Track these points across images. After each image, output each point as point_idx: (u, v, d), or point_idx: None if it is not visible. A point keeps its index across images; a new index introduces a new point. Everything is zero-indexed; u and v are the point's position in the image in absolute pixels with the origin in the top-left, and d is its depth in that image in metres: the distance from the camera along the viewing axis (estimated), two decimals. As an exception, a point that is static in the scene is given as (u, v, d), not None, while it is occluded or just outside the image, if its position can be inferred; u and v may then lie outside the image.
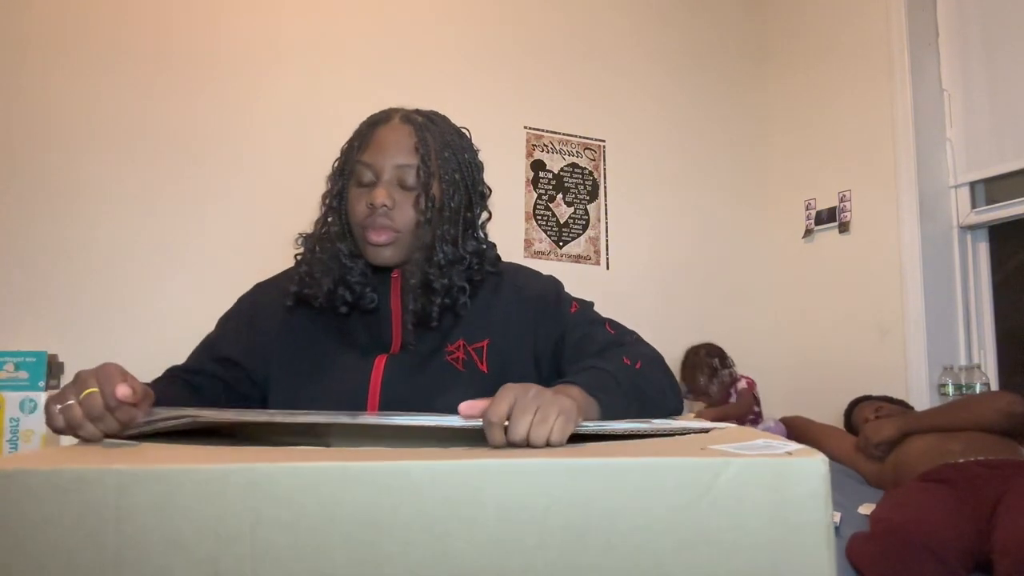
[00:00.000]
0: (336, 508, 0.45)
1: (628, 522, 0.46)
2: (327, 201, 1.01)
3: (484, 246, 1.03)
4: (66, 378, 1.90)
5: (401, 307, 0.97)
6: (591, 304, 1.09)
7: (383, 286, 0.98)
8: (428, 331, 0.96)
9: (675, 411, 0.95)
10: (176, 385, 0.94)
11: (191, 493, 0.45)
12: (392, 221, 0.94)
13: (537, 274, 1.09)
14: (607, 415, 0.78)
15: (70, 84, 2.02)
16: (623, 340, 1.03)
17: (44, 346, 1.82)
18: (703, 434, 0.63)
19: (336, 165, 1.02)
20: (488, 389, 0.91)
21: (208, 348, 1.02)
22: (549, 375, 0.99)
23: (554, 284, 1.08)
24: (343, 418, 0.68)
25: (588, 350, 0.97)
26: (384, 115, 1.01)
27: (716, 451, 0.51)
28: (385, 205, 0.93)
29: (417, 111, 1.03)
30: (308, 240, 1.01)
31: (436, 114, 1.05)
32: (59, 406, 0.63)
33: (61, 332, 1.92)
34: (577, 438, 0.62)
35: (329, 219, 1.00)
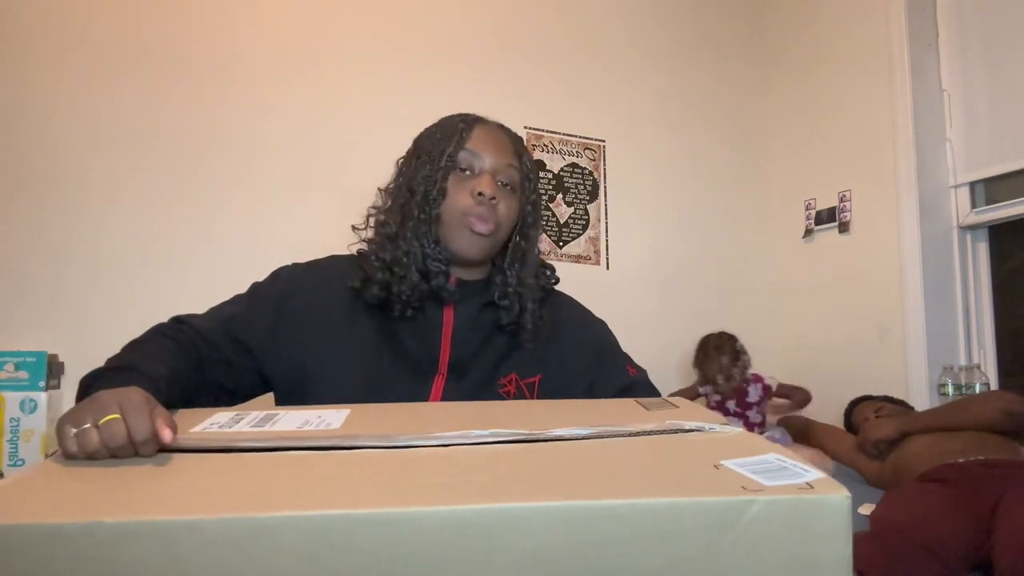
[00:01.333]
0: (344, 557, 0.44)
1: (649, 563, 0.45)
2: (418, 184, 0.94)
3: (549, 270, 1.05)
4: (66, 378, 1.90)
5: (456, 318, 0.94)
6: (635, 366, 1.07)
7: (436, 300, 0.94)
8: (480, 358, 0.94)
9: None
10: (183, 355, 0.87)
11: (191, 548, 0.43)
12: (496, 214, 0.94)
13: (591, 315, 1.10)
14: None
15: (73, 86, 2.02)
16: None
17: (44, 346, 1.83)
18: (709, 439, 0.62)
19: (424, 149, 0.97)
20: None
21: (225, 322, 0.93)
22: None
23: (608, 332, 1.10)
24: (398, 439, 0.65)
25: None
26: (479, 117, 1.02)
27: (733, 477, 0.50)
28: (493, 197, 0.93)
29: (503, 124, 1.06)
30: (391, 226, 0.95)
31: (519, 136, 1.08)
32: (74, 430, 0.57)
33: (61, 332, 1.92)
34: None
35: (419, 200, 0.94)
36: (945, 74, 2.37)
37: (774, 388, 2.42)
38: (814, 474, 0.50)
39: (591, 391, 0.97)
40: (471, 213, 0.92)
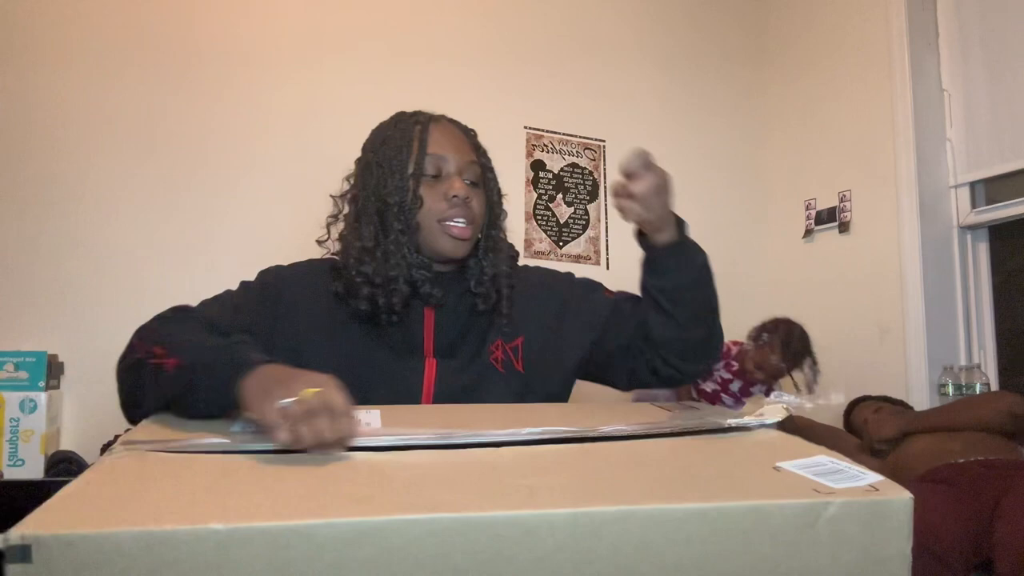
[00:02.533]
0: (446, 560, 0.45)
1: (736, 563, 0.49)
2: (388, 197, 0.94)
3: (512, 249, 1.08)
4: (66, 378, 1.90)
5: (435, 308, 0.96)
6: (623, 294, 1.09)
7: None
8: (466, 337, 0.97)
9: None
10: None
11: (301, 552, 0.44)
12: (471, 213, 0.96)
13: (551, 270, 1.12)
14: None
15: (73, 86, 2.01)
16: None
17: (44, 346, 1.83)
18: (754, 441, 0.66)
19: (383, 158, 0.96)
20: (522, 389, 0.97)
21: (232, 311, 0.93)
22: (597, 357, 1.02)
23: (571, 276, 1.11)
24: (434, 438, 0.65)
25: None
26: (425, 115, 1.01)
27: (799, 479, 0.54)
28: (468, 198, 0.95)
29: (449, 116, 1.06)
30: (366, 240, 0.94)
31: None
32: (285, 422, 0.60)
33: (61, 332, 1.92)
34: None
35: (395, 211, 0.93)
36: (945, 74, 2.36)
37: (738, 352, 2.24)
38: (872, 476, 0.55)
39: (568, 338, 1.01)
40: (448, 217, 0.95)
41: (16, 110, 1.97)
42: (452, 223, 0.94)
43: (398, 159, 0.95)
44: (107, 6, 2.07)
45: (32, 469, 1.70)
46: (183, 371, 0.75)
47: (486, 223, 1.02)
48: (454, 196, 0.94)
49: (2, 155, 1.95)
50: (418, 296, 0.94)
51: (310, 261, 1.04)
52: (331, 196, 1.04)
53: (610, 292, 1.07)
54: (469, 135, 1.03)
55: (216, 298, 0.96)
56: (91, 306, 1.96)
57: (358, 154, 1.03)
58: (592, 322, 1.01)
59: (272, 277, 0.99)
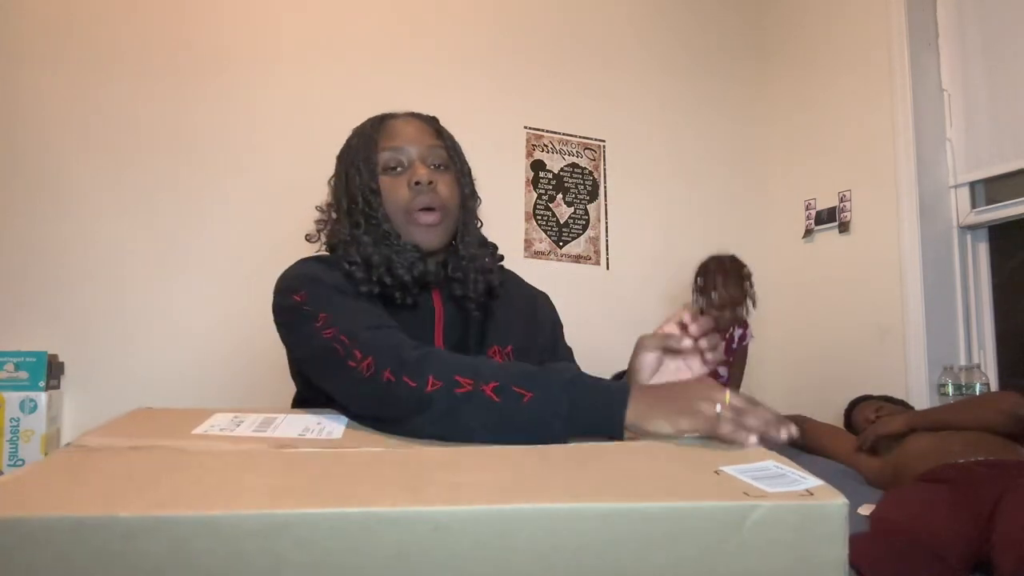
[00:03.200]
0: (358, 555, 0.45)
1: (657, 565, 0.48)
2: (356, 192, 0.96)
3: (493, 246, 1.07)
4: (66, 378, 1.90)
5: (443, 308, 0.97)
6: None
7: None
8: (468, 333, 0.98)
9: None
10: None
11: (206, 541, 0.44)
12: (439, 198, 0.95)
13: (531, 285, 1.16)
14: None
15: (70, 85, 2.02)
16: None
17: (44, 346, 1.83)
18: (713, 444, 0.65)
19: (347, 161, 0.99)
20: None
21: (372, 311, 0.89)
22: None
23: (550, 300, 1.15)
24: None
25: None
26: (384, 114, 1.03)
27: (735, 483, 0.52)
28: (431, 182, 0.94)
29: (414, 111, 1.05)
30: (344, 235, 0.96)
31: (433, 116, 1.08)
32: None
33: (61, 332, 1.92)
34: None
35: (361, 207, 0.95)
36: (945, 74, 2.36)
37: (744, 344, 2.28)
38: (812, 481, 0.53)
39: (541, 348, 1.05)
40: (413, 206, 0.94)
41: (15, 111, 1.97)
42: (418, 213, 0.94)
43: (359, 157, 0.97)
44: (95, 9, 2.07)
45: (32, 469, 1.70)
46: (520, 400, 0.69)
47: (464, 201, 1.00)
48: (416, 183, 0.94)
49: (2, 156, 1.95)
50: (415, 277, 0.93)
51: (319, 258, 1.01)
52: (316, 207, 1.06)
53: (563, 338, 1.13)
54: (430, 123, 1.03)
55: (345, 308, 0.86)
56: (91, 306, 1.96)
57: None
58: (549, 343, 1.07)
59: (330, 279, 0.91)
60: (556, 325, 1.11)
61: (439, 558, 0.45)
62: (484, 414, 0.69)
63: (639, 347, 0.83)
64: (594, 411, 0.69)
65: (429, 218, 0.94)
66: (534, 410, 0.69)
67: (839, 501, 0.50)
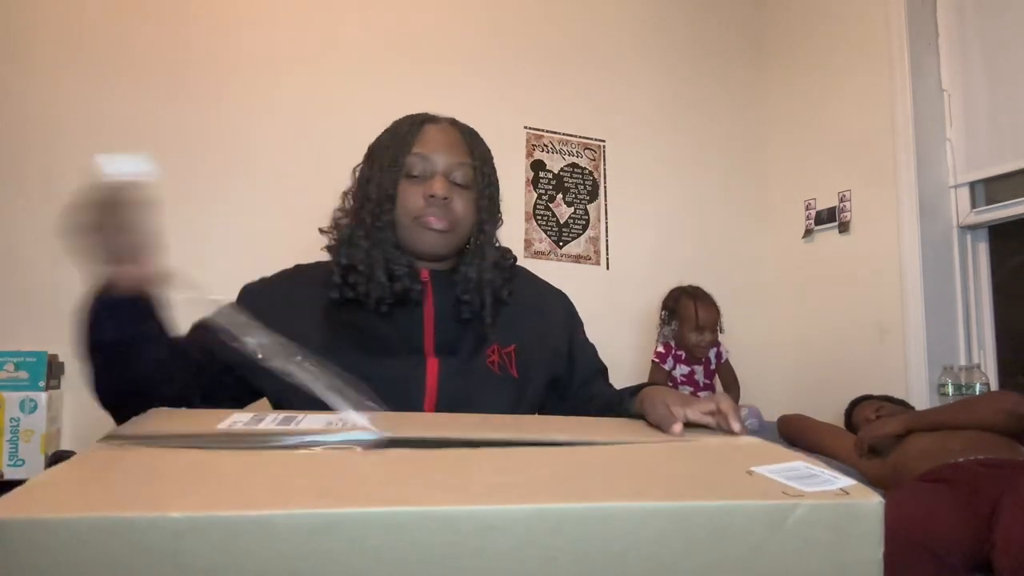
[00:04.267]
0: (408, 553, 0.45)
1: (700, 564, 0.48)
2: (372, 192, 0.96)
3: (509, 253, 1.10)
4: (66, 378, 1.90)
5: (435, 309, 0.97)
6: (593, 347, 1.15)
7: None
8: (464, 335, 0.97)
9: None
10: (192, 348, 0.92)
11: (254, 539, 0.44)
12: (451, 213, 0.96)
13: (548, 283, 1.14)
14: None
15: (72, 85, 2.02)
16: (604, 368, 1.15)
17: (44, 346, 1.83)
18: (730, 447, 0.66)
19: (375, 156, 0.99)
20: (517, 393, 0.98)
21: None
22: (557, 380, 1.06)
23: (567, 298, 1.14)
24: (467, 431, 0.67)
25: (608, 388, 1.07)
26: (429, 116, 1.02)
27: (770, 483, 0.53)
28: (446, 197, 0.95)
29: (455, 119, 1.06)
30: (346, 232, 0.98)
31: (473, 129, 1.07)
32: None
33: (61, 332, 1.91)
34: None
35: (372, 208, 0.96)
36: (945, 74, 2.36)
37: (724, 360, 2.35)
38: (844, 480, 0.54)
39: (554, 353, 1.05)
40: (423, 215, 0.95)
41: (16, 112, 1.97)
42: (427, 218, 0.95)
43: (387, 156, 0.97)
44: (102, 10, 2.07)
45: (32, 469, 1.70)
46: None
47: (475, 227, 1.00)
48: (431, 195, 0.94)
49: (2, 156, 1.95)
50: (397, 291, 0.94)
51: (296, 267, 1.04)
52: (343, 194, 1.05)
53: (585, 336, 1.13)
54: (468, 137, 1.02)
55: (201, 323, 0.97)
56: (91, 306, 1.96)
57: (357, 157, 1.04)
58: (568, 350, 1.07)
59: (253, 299, 0.97)
60: (572, 325, 1.10)
61: (486, 557, 0.45)
62: None
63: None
64: None
65: (439, 223, 0.95)
66: None
67: (875, 500, 0.50)
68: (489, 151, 1.05)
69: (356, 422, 0.68)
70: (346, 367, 0.88)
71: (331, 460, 0.57)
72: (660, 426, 0.76)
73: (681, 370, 2.31)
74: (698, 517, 0.48)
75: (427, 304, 0.97)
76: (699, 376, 2.32)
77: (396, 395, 0.88)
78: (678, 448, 0.67)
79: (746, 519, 0.49)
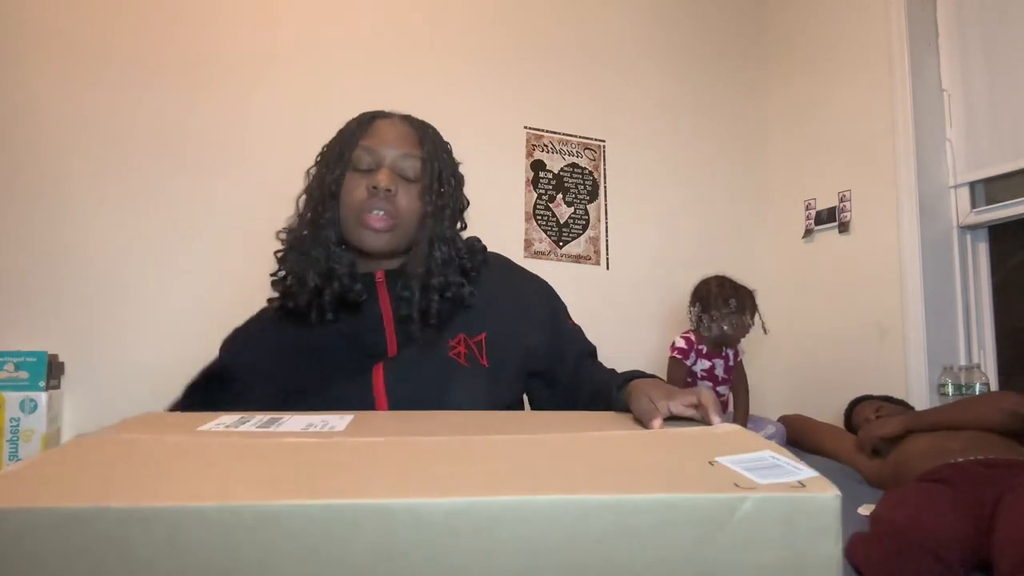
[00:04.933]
0: (347, 546, 0.45)
1: (642, 557, 0.47)
2: (316, 189, 0.96)
3: (476, 242, 1.04)
4: (66, 378, 1.90)
5: (392, 309, 0.95)
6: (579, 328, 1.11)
7: (370, 290, 0.96)
8: (426, 327, 0.94)
9: None
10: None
11: (198, 532, 0.44)
12: (393, 207, 0.93)
13: (526, 270, 1.10)
14: None
15: (68, 84, 2.02)
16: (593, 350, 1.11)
17: (44, 346, 1.83)
18: (706, 436, 0.64)
19: (324, 154, 0.99)
20: (489, 382, 0.95)
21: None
22: (545, 371, 1.03)
23: (546, 286, 1.09)
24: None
25: (598, 371, 1.03)
26: (380, 112, 1.01)
27: (727, 474, 0.51)
28: (389, 189, 0.92)
29: (412, 116, 1.04)
30: (290, 234, 0.98)
31: (428, 123, 1.05)
32: None
33: (61, 332, 1.92)
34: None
35: (315, 205, 0.95)
36: (945, 74, 2.36)
37: (739, 359, 2.27)
38: (807, 472, 0.52)
39: (530, 340, 1.01)
40: (366, 208, 0.92)
41: (15, 112, 1.97)
42: (368, 216, 0.92)
43: (334, 151, 0.96)
44: (89, 8, 2.07)
45: (32, 469, 1.70)
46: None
47: (419, 222, 0.96)
48: (374, 187, 0.92)
49: (3, 157, 1.95)
50: (335, 291, 0.93)
51: (262, 310, 1.07)
52: (296, 198, 1.05)
53: (570, 320, 1.09)
54: (420, 130, 0.99)
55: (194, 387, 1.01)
56: (91, 306, 1.96)
57: None
58: (549, 341, 1.03)
59: (228, 352, 1.04)
60: (555, 316, 1.07)
61: (423, 550, 0.45)
62: None
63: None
64: None
65: (379, 223, 0.92)
66: None
67: (831, 493, 0.48)
68: (445, 145, 1.02)
69: (335, 425, 0.68)
70: (302, 389, 0.91)
71: (283, 450, 0.57)
72: (642, 420, 0.76)
73: (702, 365, 2.21)
74: (639, 510, 0.47)
75: (383, 304, 0.96)
76: (719, 371, 2.22)
77: (349, 405, 0.85)
78: (646, 438, 0.65)
79: (689, 512, 0.47)
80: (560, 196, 2.61)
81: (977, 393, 2.09)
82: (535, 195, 2.58)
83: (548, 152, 2.61)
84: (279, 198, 2.14)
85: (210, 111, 2.15)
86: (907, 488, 1.55)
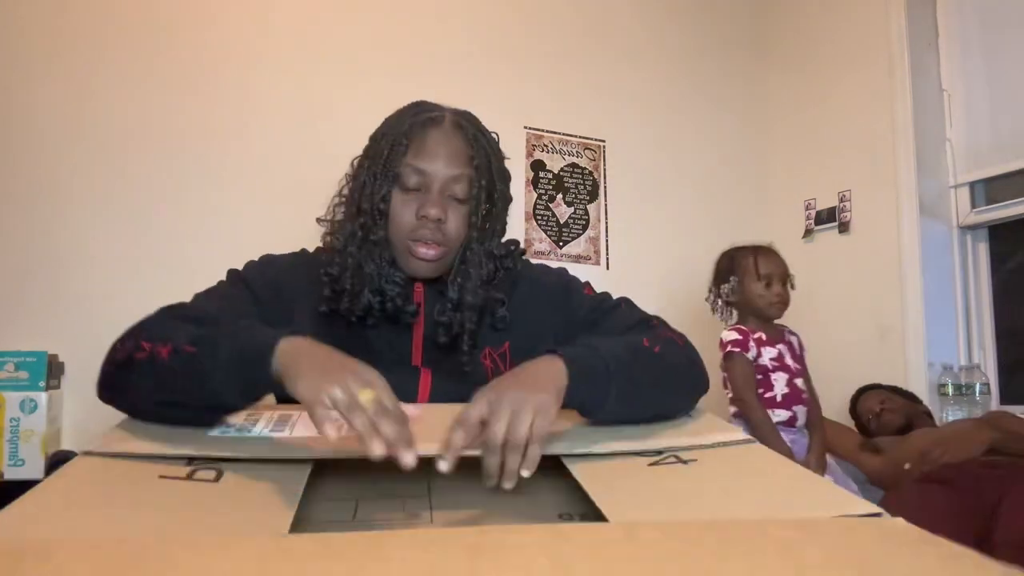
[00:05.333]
0: None
1: None
2: (363, 202, 0.91)
3: (513, 247, 1.03)
4: (66, 378, 1.90)
5: (425, 320, 0.94)
6: (607, 294, 1.07)
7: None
8: (457, 342, 0.92)
9: (699, 390, 0.89)
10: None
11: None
12: (443, 235, 0.91)
13: (547, 268, 1.10)
14: (600, 386, 0.73)
15: (70, 85, 2.01)
16: (643, 319, 1.00)
17: (44, 346, 1.82)
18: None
19: (372, 161, 0.93)
20: None
21: (223, 300, 0.91)
22: None
23: (563, 275, 1.09)
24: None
25: (602, 328, 0.96)
26: (432, 116, 0.95)
27: None
28: (440, 219, 0.90)
29: (462, 114, 0.99)
30: (339, 240, 0.94)
31: (478, 120, 1.01)
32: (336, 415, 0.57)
33: (61, 332, 1.92)
34: None
35: (364, 221, 0.91)
36: (945, 74, 2.37)
37: (804, 350, 1.90)
38: None
39: (554, 338, 0.96)
40: (415, 237, 0.90)
41: (14, 112, 1.97)
42: (418, 245, 0.90)
43: (382, 163, 0.91)
44: (95, 10, 2.07)
45: (32, 469, 1.70)
46: (187, 356, 0.69)
47: (469, 241, 0.94)
48: (423, 216, 0.89)
49: (2, 157, 1.95)
50: (388, 310, 0.90)
51: (303, 252, 1.02)
52: (340, 182, 1.01)
53: (591, 291, 1.05)
54: (471, 139, 0.95)
55: (208, 291, 0.95)
56: (91, 306, 1.96)
57: (354, 153, 1.01)
58: (565, 320, 0.99)
59: (261, 268, 0.97)
60: (567, 296, 1.02)
61: None
62: (150, 375, 0.70)
63: None
64: (247, 362, 0.65)
65: (428, 251, 0.90)
66: (193, 363, 0.67)
67: None
68: (494, 147, 0.99)
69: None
70: None
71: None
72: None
73: (769, 353, 1.81)
74: None
75: (418, 319, 0.94)
76: (790, 360, 1.83)
77: None
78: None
79: None
80: (560, 196, 2.61)
81: (977, 394, 2.09)
82: (535, 195, 2.58)
83: (548, 152, 2.61)
84: (279, 198, 2.15)
85: (210, 111, 2.14)
86: (907, 488, 1.56)
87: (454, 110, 0.99)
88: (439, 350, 0.93)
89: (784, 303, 1.83)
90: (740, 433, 0.75)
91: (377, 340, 0.93)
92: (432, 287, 0.96)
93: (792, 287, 1.86)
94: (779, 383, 1.77)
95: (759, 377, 1.77)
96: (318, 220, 1.00)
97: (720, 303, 1.91)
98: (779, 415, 1.75)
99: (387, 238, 0.92)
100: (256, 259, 1.00)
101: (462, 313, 0.91)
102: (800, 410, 1.79)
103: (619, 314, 1.00)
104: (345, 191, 0.98)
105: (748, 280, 1.82)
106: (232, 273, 0.98)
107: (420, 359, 0.94)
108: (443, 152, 0.92)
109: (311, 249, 1.04)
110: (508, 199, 1.03)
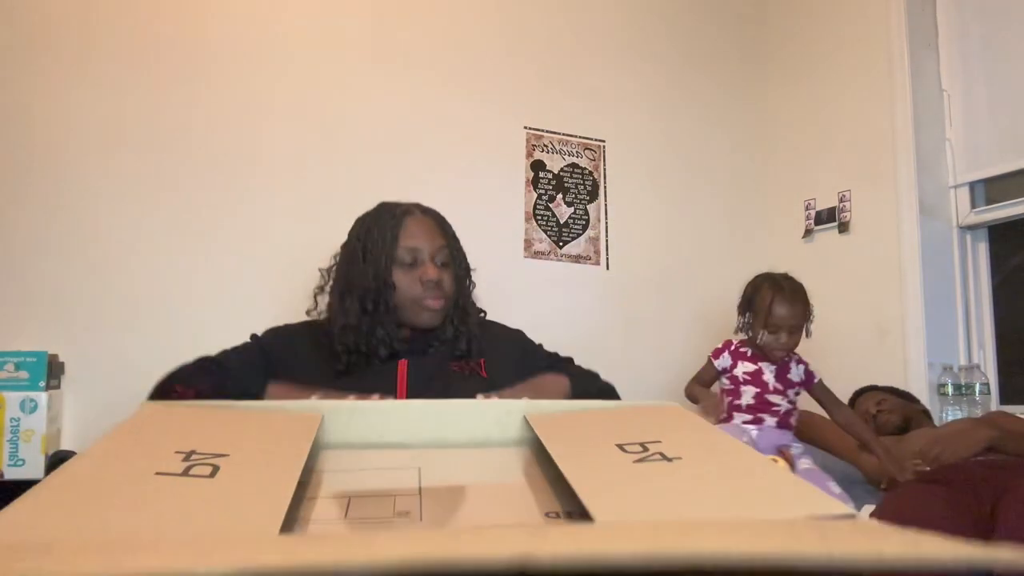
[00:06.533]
0: None
1: None
2: (368, 283, 1.17)
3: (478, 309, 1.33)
4: (66, 378, 1.90)
5: (408, 361, 1.20)
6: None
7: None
8: (434, 380, 1.17)
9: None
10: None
11: None
12: (442, 290, 1.20)
13: (503, 326, 1.38)
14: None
15: (73, 88, 2.02)
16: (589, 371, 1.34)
17: (44, 346, 1.83)
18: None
19: (365, 249, 1.19)
20: (488, 388, 1.09)
21: (249, 357, 1.21)
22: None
23: (521, 334, 1.36)
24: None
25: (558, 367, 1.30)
26: (403, 208, 1.25)
27: None
28: (439, 280, 1.19)
29: (419, 204, 1.28)
30: (352, 320, 1.18)
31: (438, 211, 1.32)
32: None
33: (61, 332, 1.92)
34: None
35: (373, 300, 1.17)
36: (945, 74, 2.37)
37: (817, 380, 1.88)
38: None
39: (521, 367, 1.24)
40: (424, 296, 1.19)
41: (16, 112, 1.97)
42: (426, 299, 1.19)
43: (378, 250, 1.18)
44: (104, 10, 2.07)
45: (32, 469, 1.70)
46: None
47: (458, 294, 1.25)
48: (428, 280, 1.18)
49: (2, 156, 1.95)
50: (383, 356, 1.18)
51: (309, 325, 1.28)
52: (319, 269, 1.28)
53: (543, 351, 1.35)
54: (439, 221, 1.26)
55: (235, 348, 1.21)
56: (91, 306, 1.96)
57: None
58: (529, 363, 1.27)
59: (271, 336, 1.25)
60: (523, 340, 1.34)
61: None
62: None
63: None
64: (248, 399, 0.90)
65: (437, 303, 1.20)
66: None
67: None
68: (453, 231, 1.30)
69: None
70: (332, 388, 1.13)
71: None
72: None
73: (745, 367, 1.85)
74: None
75: (400, 371, 1.17)
76: (769, 376, 1.85)
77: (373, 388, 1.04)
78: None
79: None
80: (560, 196, 2.61)
81: (976, 394, 2.09)
82: (535, 195, 2.58)
83: (548, 152, 2.61)
84: (280, 198, 2.15)
85: (211, 110, 2.15)
86: (906, 489, 1.56)
87: (414, 203, 1.29)
88: (418, 387, 1.16)
89: (787, 351, 1.85)
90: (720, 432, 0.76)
91: (365, 382, 1.12)
92: (416, 335, 1.24)
93: (808, 334, 1.85)
94: (747, 395, 1.82)
95: (729, 386, 1.87)
96: (308, 312, 1.30)
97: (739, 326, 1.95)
98: (744, 417, 1.82)
99: (396, 305, 1.19)
100: (268, 329, 1.28)
101: (470, 340, 1.22)
102: (768, 418, 1.83)
103: (570, 362, 1.34)
104: (332, 273, 1.27)
105: (757, 324, 1.85)
106: (253, 338, 1.26)
107: (404, 395, 1.17)
108: (426, 231, 1.22)
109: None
110: (468, 263, 1.33)
